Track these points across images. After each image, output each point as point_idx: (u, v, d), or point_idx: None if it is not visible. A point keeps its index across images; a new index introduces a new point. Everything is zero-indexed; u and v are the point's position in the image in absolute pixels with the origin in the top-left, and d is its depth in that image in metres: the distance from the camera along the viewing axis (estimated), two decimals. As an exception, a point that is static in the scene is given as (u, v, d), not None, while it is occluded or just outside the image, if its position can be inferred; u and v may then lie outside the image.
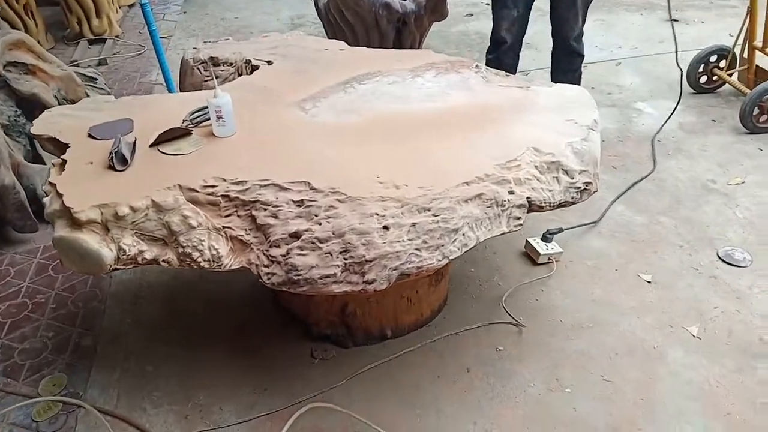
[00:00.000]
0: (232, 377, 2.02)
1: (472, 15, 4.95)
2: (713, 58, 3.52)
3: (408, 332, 2.14)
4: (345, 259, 1.51)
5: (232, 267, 1.61)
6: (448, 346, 2.11)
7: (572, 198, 1.78)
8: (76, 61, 4.57)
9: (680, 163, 3.00)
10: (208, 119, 1.90)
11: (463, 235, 1.57)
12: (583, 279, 2.37)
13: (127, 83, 4.29)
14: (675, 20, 4.70)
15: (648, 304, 2.24)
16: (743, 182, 2.84)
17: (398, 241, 1.51)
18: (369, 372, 2.02)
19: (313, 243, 1.53)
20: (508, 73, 2.32)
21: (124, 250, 1.56)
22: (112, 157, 1.69)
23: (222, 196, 1.62)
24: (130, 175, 1.68)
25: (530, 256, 2.47)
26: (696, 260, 2.43)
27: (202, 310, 2.28)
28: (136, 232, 1.58)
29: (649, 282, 2.34)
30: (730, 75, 3.47)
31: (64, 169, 1.71)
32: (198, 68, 2.45)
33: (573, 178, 1.76)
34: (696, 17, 4.74)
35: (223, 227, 1.61)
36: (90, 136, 1.87)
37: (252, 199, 1.61)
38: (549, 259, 2.42)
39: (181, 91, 2.59)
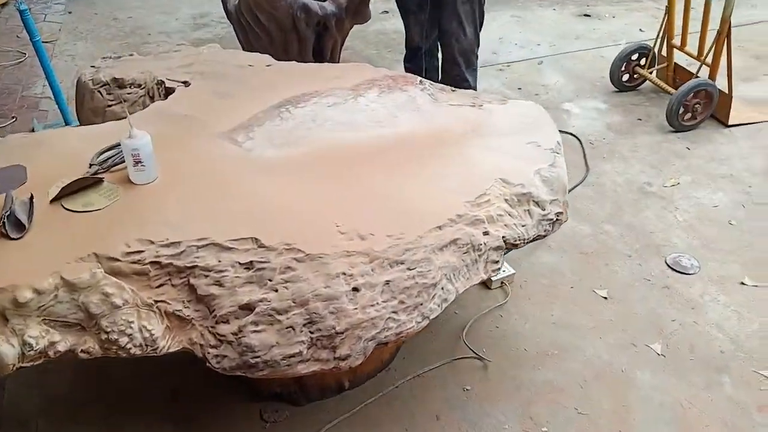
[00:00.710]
0: (172, 457, 1.74)
1: (387, 12, 4.77)
2: (635, 56, 3.55)
3: (367, 380, 1.94)
4: (311, 332, 1.29)
5: (171, 350, 1.34)
6: (412, 391, 1.94)
7: (545, 231, 1.65)
8: (-60, 74, 3.95)
9: (615, 165, 2.99)
10: (122, 161, 1.59)
11: (442, 289, 1.39)
12: (540, 300, 2.27)
13: (6, 98, 3.75)
14: (587, 15, 4.76)
15: (608, 323, 2.18)
16: (678, 183, 2.86)
17: (372, 305, 1.31)
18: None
19: (270, 315, 1.29)
20: (452, 87, 2.15)
21: (30, 345, 1.24)
22: (3, 221, 1.35)
23: (151, 263, 1.34)
24: (29, 244, 1.36)
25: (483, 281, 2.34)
26: (646, 270, 2.40)
27: (127, 376, 1.96)
28: (44, 319, 1.27)
29: (606, 298, 2.28)
30: (651, 73, 3.51)
31: (-62, 241, 1.36)
32: (99, 91, 2.10)
33: (545, 210, 1.63)
34: (607, 12, 4.82)
35: (155, 302, 1.33)
36: (-30, 191, 1.51)
37: (189, 265, 1.34)
38: (502, 282, 2.30)
39: (78, 118, 2.22)
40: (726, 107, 3.23)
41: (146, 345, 1.31)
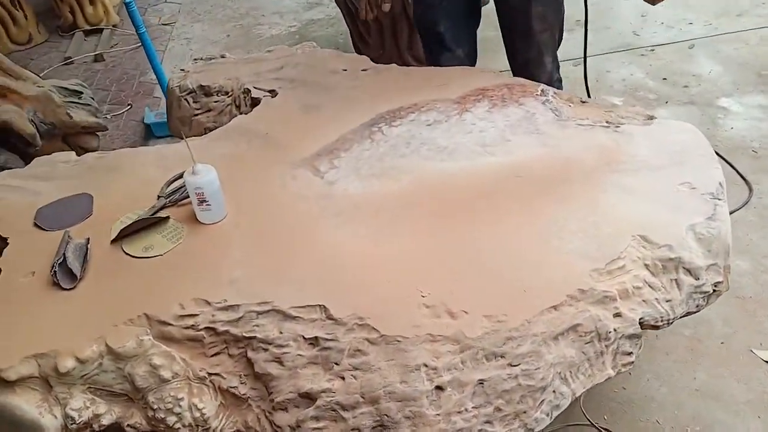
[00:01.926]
0: None
1: None
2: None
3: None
4: (380, 438, 1.04)
5: (225, 431, 1.15)
6: (512, 462, 1.65)
7: (697, 307, 1.27)
8: (71, 58, 4.10)
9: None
10: (193, 194, 1.42)
11: (554, 392, 1.08)
12: (681, 357, 1.87)
13: (125, 84, 3.81)
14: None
15: (768, 398, 1.74)
16: None
17: (459, 412, 1.03)
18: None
19: (334, 411, 1.06)
20: (581, 98, 1.77)
21: (72, 418, 1.11)
22: (54, 269, 1.23)
23: (206, 328, 1.15)
24: (79, 296, 1.22)
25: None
26: (822, 328, 1.90)
27: None
28: (89, 387, 1.13)
29: (767, 362, 1.83)
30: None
31: (-5, 284, 1.27)
32: (186, 99, 1.95)
33: (698, 279, 1.25)
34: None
35: (209, 374, 1.15)
36: (36, 225, 1.41)
37: (247, 334, 1.14)
38: (633, 328, 1.91)
39: (169, 124, 2.10)
40: None
41: (196, 425, 1.13)
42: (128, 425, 1.15)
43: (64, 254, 1.24)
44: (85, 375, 1.12)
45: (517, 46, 2.24)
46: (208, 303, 1.17)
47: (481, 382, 1.05)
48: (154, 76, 3.93)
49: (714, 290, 1.27)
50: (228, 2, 4.85)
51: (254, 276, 1.22)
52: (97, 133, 2.85)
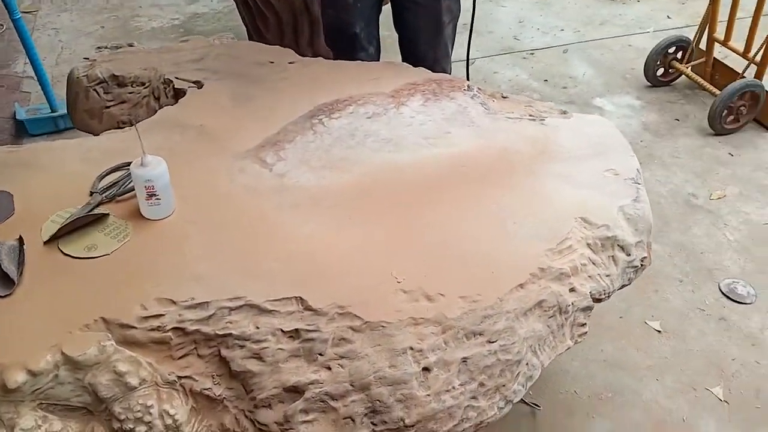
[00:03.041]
0: None
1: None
2: (671, 50, 3.30)
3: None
4: (374, 424, 1.05)
5: (198, 436, 1.09)
6: (454, 442, 1.72)
7: (629, 280, 1.42)
8: None
9: (655, 172, 2.76)
10: (131, 189, 1.32)
11: (527, 365, 1.16)
12: (588, 333, 2.05)
13: (-17, 76, 3.39)
14: (611, -1, 4.47)
15: (664, 362, 1.97)
16: (725, 196, 2.64)
17: (447, 391, 1.07)
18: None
19: (323, 402, 1.05)
20: (502, 93, 1.89)
21: (23, 439, 0.99)
22: (-14, 275, 1.09)
23: (173, 329, 1.08)
24: (19, 302, 1.09)
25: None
26: (700, 298, 2.19)
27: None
28: (40, 403, 1.02)
29: (659, 331, 2.07)
30: (688, 68, 3.26)
31: None
32: (95, 90, 1.80)
33: (630, 255, 1.39)
34: (630, -5, 4.54)
35: (179, 378, 1.08)
36: (-56, 227, 1.23)
37: (220, 332, 1.09)
38: (548, 308, 2.07)
39: (71, 119, 1.92)
40: (772, 110, 3.01)
41: (168, 433, 1.06)
42: (89, 441, 1.05)
43: (-5, 256, 1.10)
44: (37, 390, 1.00)
45: (423, 47, 2.31)
46: (173, 302, 1.10)
47: (464, 360, 1.09)
48: (17, 68, 3.57)
49: (641, 265, 1.42)
50: (98, -10, 4.49)
51: (220, 271, 1.16)
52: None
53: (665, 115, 3.18)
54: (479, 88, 1.85)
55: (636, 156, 1.62)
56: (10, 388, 0.97)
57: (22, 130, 2.96)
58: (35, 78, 3.39)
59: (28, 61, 3.55)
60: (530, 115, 1.73)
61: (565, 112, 1.81)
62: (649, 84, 3.40)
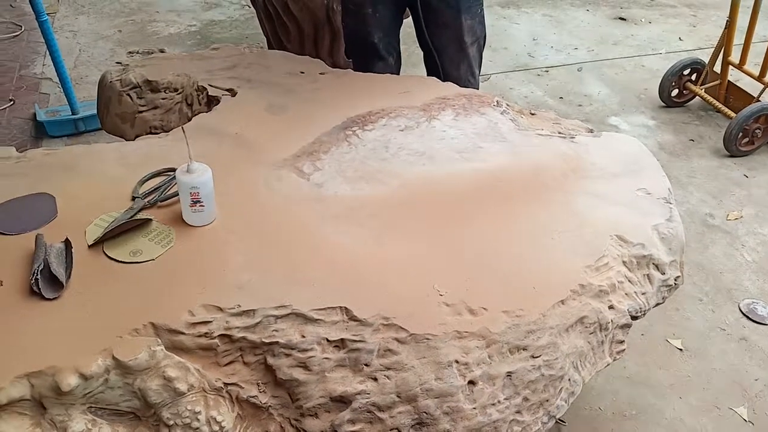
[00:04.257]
0: None
1: None
2: (686, 71, 3.33)
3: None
4: (420, 436, 1.06)
5: (242, 444, 1.09)
6: (478, 456, 1.72)
7: (663, 299, 1.43)
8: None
9: (673, 192, 2.77)
10: (176, 194, 1.33)
11: (569, 380, 1.16)
12: (609, 348, 2.06)
13: (1, 78, 3.41)
14: (623, 18, 4.52)
15: (687, 381, 1.98)
16: (741, 217, 2.66)
17: (493, 404, 1.07)
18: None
19: (369, 412, 1.06)
20: (530, 111, 1.91)
21: (73, 442, 0.99)
22: (36, 277, 1.09)
23: (220, 336, 1.09)
24: (68, 306, 1.09)
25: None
26: (720, 318, 2.20)
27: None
28: (89, 407, 1.02)
29: (681, 350, 2.08)
30: (702, 90, 3.30)
31: (-47, 298, 1.09)
32: (129, 94, 1.81)
33: (664, 273, 1.40)
34: (642, 16, 4.58)
35: (225, 385, 1.08)
36: (-11, 228, 1.23)
37: (267, 340, 1.09)
38: (568, 324, 2.08)
39: (102, 123, 1.93)
40: (786, 133, 3.04)
41: (214, 440, 1.06)
42: (135, 446, 1.05)
43: (45, 259, 1.10)
44: (88, 393, 1.00)
45: (447, 66, 2.33)
46: (220, 309, 1.10)
47: (509, 374, 1.10)
48: (36, 70, 3.58)
49: (675, 284, 1.43)
50: (115, -5, 4.52)
51: (264, 280, 1.17)
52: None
53: (680, 136, 3.21)
54: (508, 104, 1.87)
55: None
56: (63, 391, 0.97)
57: (41, 132, 2.97)
58: (53, 80, 3.42)
59: (46, 62, 3.60)
60: (560, 132, 1.75)
61: (591, 130, 1.83)
62: (663, 104, 3.44)
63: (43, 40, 3.79)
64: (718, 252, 2.48)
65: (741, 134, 2.96)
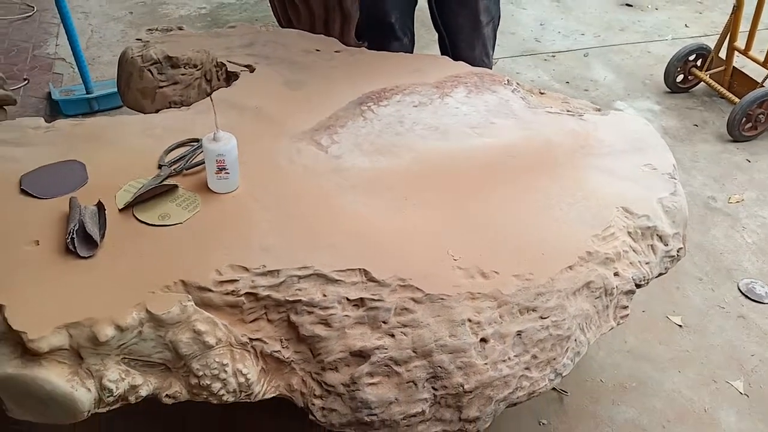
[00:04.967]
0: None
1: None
2: (692, 57, 3.37)
3: (435, 406, 1.79)
4: (434, 389, 1.12)
5: (266, 396, 1.16)
6: (484, 422, 1.79)
7: (665, 269, 1.48)
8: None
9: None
10: (198, 163, 1.39)
11: (575, 341, 1.22)
12: (612, 323, 2.12)
13: (15, 57, 3.45)
14: (629, 5, 4.55)
15: (685, 355, 2.04)
16: (743, 200, 2.71)
17: (503, 360, 1.14)
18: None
19: (387, 366, 1.12)
20: (540, 90, 1.96)
21: (110, 389, 1.05)
22: (72, 236, 1.15)
23: (246, 294, 1.15)
24: (102, 265, 1.15)
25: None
26: (719, 296, 2.26)
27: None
28: (123, 358, 1.08)
29: (680, 326, 2.14)
30: (707, 75, 3.34)
31: (-7, 255, 1.15)
32: (150, 70, 1.86)
33: (667, 245, 1.46)
34: (649, 3, 4.60)
35: (251, 340, 1.15)
36: (23, 191, 1.29)
37: (290, 298, 1.15)
38: (573, 300, 2.14)
39: (122, 98, 1.98)
40: (789, 119, 3.08)
41: (240, 391, 1.13)
42: (167, 395, 1.11)
43: (80, 220, 1.16)
44: (123, 345, 1.07)
45: (462, 46, 2.38)
46: (246, 269, 1.16)
47: (519, 333, 1.16)
48: (50, 50, 3.62)
49: (677, 255, 1.49)
50: (124, -23, 4.54)
51: (287, 243, 1.23)
52: (5, 106, 2.58)
53: (684, 121, 3.25)
54: (518, 83, 1.91)
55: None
56: (100, 341, 1.03)
57: (56, 110, 3.02)
58: (66, 60, 3.47)
59: (59, 42, 3.64)
60: (568, 111, 1.80)
61: (599, 109, 1.88)
62: (668, 90, 3.47)
63: (55, 21, 3.86)
64: (719, 234, 2.53)
65: (744, 119, 3.01)
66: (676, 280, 2.31)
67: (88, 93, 2.97)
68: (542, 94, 1.93)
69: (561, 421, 1.81)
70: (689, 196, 2.69)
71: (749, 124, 3.05)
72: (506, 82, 1.88)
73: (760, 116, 3.02)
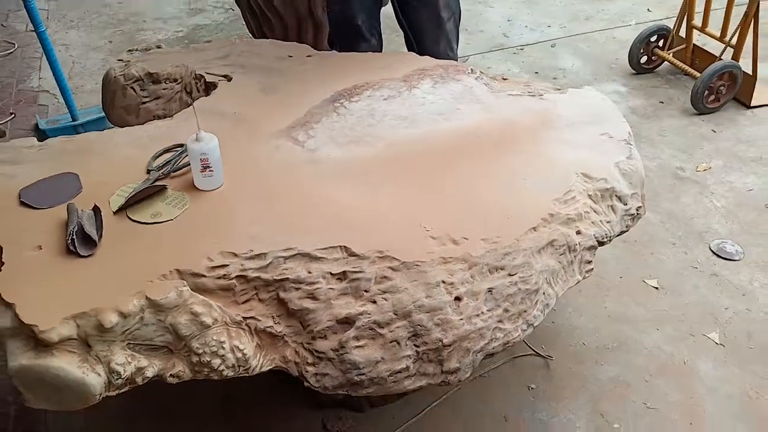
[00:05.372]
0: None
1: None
2: (653, 38, 3.51)
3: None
4: (416, 346, 1.22)
5: (263, 369, 1.25)
6: (476, 392, 1.89)
7: (627, 227, 1.59)
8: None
9: (644, 151, 2.95)
10: (183, 166, 1.49)
11: (544, 294, 1.33)
12: (591, 292, 2.23)
13: (0, 93, 3.54)
14: (593, -5, 4.69)
15: (663, 314, 2.15)
16: (710, 168, 2.83)
17: (477, 315, 1.24)
18: (397, 439, 1.75)
19: (371, 329, 1.22)
20: (503, 77, 2.07)
21: (118, 373, 1.14)
22: (72, 237, 1.24)
23: (237, 277, 1.25)
24: (101, 262, 1.25)
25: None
26: (692, 258, 2.37)
27: (173, 386, 1.87)
28: (128, 343, 1.17)
29: (657, 288, 2.25)
30: (669, 55, 3.47)
31: (0, 261, 1.24)
32: (132, 87, 1.96)
33: (626, 204, 1.57)
34: (611, -9, 4.76)
35: (244, 319, 1.24)
36: (23, 203, 1.39)
37: (278, 278, 1.25)
38: (553, 273, 2.25)
39: (108, 117, 2.09)
40: (749, 89, 3.21)
41: (239, 366, 1.22)
42: (171, 375, 1.21)
43: (78, 222, 1.26)
44: (127, 330, 1.16)
45: (427, 42, 2.50)
46: (235, 255, 1.26)
47: (489, 290, 1.26)
48: (33, 84, 3.73)
49: (637, 213, 1.60)
50: (101, 8, 4.66)
51: (272, 230, 1.33)
52: (-4, 138, 2.68)
53: (651, 99, 3.39)
54: (482, 71, 2.03)
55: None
56: (106, 328, 1.13)
57: (43, 140, 3.11)
58: (50, 92, 3.57)
59: (42, 76, 3.75)
60: (529, 92, 1.91)
61: (559, 89, 2.00)
62: (633, 72, 3.61)
63: (37, 55, 3.96)
64: (689, 200, 2.65)
65: (707, 92, 3.14)
66: (651, 246, 2.42)
67: (73, 120, 3.07)
68: (505, 80, 2.04)
69: (548, 385, 1.91)
70: (658, 168, 2.82)
71: (712, 97, 3.18)
72: (470, 71, 2.00)
73: (721, 88, 3.16)
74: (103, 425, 1.78)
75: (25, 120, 3.34)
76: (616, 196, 1.55)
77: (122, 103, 1.98)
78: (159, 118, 1.96)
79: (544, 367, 1.96)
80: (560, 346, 2.03)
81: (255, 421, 1.80)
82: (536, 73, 3.67)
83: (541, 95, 1.87)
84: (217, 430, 1.77)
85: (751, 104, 3.24)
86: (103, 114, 3.11)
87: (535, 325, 1.31)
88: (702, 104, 3.16)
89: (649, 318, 2.13)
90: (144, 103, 1.95)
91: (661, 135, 3.08)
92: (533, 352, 1.99)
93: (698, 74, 3.17)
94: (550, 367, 1.96)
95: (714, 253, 2.38)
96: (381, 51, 2.60)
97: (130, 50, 2.12)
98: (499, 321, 1.25)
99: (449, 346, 1.21)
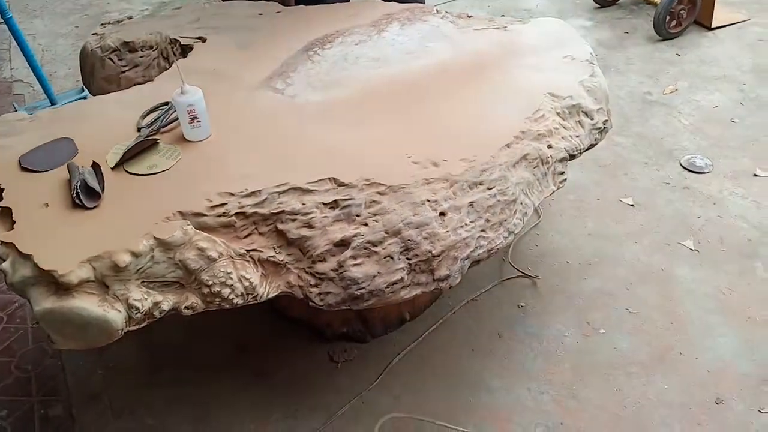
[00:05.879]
0: (253, 406, 1.77)
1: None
2: (613, -29, 3.58)
3: (425, 310, 2.00)
4: (408, 259, 1.32)
5: (270, 295, 1.35)
6: (471, 315, 2.01)
7: (595, 140, 1.69)
8: None
9: (613, 79, 3.05)
10: (171, 121, 1.56)
11: (521, 204, 1.43)
12: (572, 215, 2.35)
13: (-26, 85, 3.55)
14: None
15: (640, 228, 2.27)
16: (677, 90, 2.94)
17: (461, 226, 1.34)
18: (400, 363, 1.86)
19: (366, 248, 1.32)
20: (467, 15, 2.14)
21: (136, 308, 1.24)
22: (77, 191, 1.32)
23: (236, 214, 1.33)
24: (107, 212, 1.33)
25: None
26: (664, 174, 2.49)
27: (188, 337, 1.97)
28: (142, 281, 1.27)
29: (632, 205, 2.37)
30: (630, -15, 3.55)
31: (12, 220, 1.32)
32: (110, 58, 2.01)
33: (593, 119, 1.67)
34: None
35: (247, 251, 1.33)
36: (24, 168, 1.46)
37: (274, 211, 1.34)
38: (534, 201, 2.36)
39: (89, 89, 2.14)
40: (708, 11, 3.30)
41: (247, 294, 1.32)
42: (185, 307, 1.30)
43: (81, 178, 1.34)
44: (140, 269, 1.25)
45: None
46: (232, 194, 1.35)
47: (471, 203, 1.36)
48: (5, 75, 3.73)
49: (604, 127, 1.70)
50: (63, -6, 4.62)
51: (263, 169, 1.41)
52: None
53: (616, 30, 3.47)
54: (447, 11, 2.10)
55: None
56: (120, 268, 1.21)
57: (26, 127, 3.14)
58: (24, 80, 3.58)
59: (13, 66, 3.75)
60: (494, 26, 1.99)
61: (522, 20, 2.08)
62: (597, 5, 3.68)
63: (4, 47, 3.95)
64: (658, 122, 2.76)
65: (668, 18, 3.23)
66: (624, 167, 2.54)
67: (52, 104, 3.10)
68: (470, 17, 2.11)
69: (537, 302, 2.03)
70: (627, 95, 2.92)
71: (674, 22, 3.27)
72: (435, 11, 2.07)
73: (682, 12, 3.25)
74: (122, 383, 1.88)
75: (2, 110, 3.36)
76: (582, 111, 1.65)
77: (102, 75, 2.03)
78: (140, 85, 2.01)
79: (532, 286, 2.08)
80: (546, 266, 2.15)
81: (268, 361, 1.91)
82: (503, 15, 3.73)
83: (505, 27, 1.95)
84: (233, 374, 1.88)
85: (712, 26, 3.34)
86: (82, 95, 3.16)
87: (515, 232, 1.41)
88: (665, 30, 3.25)
89: (627, 232, 2.26)
90: (123, 72, 2.01)
91: (628, 63, 3.17)
92: (521, 274, 2.11)
93: (659, 1, 3.25)
94: (538, 285, 2.08)
95: (685, 168, 2.50)
96: (348, 1, 2.65)
97: (102, 24, 2.16)
98: (482, 230, 1.35)
99: (438, 256, 1.31)
